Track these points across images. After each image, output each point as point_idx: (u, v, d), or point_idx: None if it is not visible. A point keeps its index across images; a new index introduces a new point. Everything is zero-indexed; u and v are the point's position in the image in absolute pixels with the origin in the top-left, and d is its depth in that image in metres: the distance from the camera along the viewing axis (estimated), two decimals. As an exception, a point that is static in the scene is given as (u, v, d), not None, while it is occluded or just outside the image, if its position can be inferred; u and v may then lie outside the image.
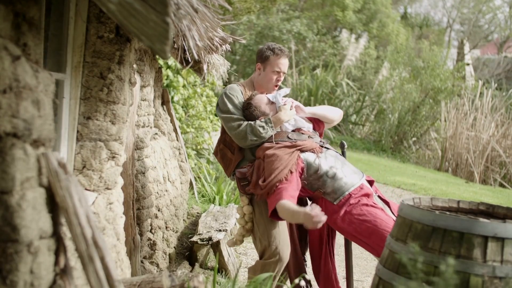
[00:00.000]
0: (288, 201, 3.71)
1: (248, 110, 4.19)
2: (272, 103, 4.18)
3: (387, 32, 24.36)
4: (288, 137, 4.10)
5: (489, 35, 35.90)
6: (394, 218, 3.74)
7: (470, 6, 35.11)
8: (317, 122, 4.43)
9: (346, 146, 4.62)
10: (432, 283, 2.59)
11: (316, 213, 3.39)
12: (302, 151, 3.98)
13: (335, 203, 3.94)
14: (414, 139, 18.58)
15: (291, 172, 3.86)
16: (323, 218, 3.40)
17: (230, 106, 4.21)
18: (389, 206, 4.06)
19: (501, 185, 14.12)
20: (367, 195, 3.96)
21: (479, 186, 12.97)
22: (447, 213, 2.86)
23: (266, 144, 4.08)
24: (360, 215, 3.83)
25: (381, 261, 3.17)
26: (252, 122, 4.10)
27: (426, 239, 2.85)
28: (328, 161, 4.00)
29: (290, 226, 4.31)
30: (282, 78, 4.39)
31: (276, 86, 4.38)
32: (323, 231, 4.25)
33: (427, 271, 2.75)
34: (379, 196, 4.15)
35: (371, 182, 4.19)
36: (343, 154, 4.46)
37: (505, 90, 18.12)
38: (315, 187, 3.99)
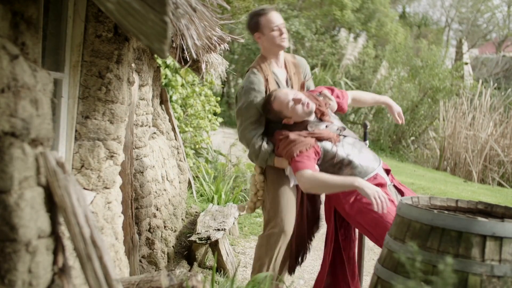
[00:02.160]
0: (325, 175, 3.77)
1: (270, 115, 4.15)
2: (299, 99, 4.03)
3: (386, 31, 24.34)
4: (306, 129, 4.06)
5: (487, 35, 35.92)
6: None
7: (469, 6, 35.12)
8: (343, 105, 4.42)
9: (368, 126, 4.67)
10: (431, 282, 2.59)
11: (379, 197, 3.58)
12: (319, 140, 3.97)
13: (346, 190, 3.91)
14: (412, 138, 18.59)
15: (307, 149, 3.88)
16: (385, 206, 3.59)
17: (246, 107, 4.13)
18: (402, 196, 4.00)
19: (500, 184, 14.13)
20: (381, 185, 3.92)
21: (478, 185, 12.98)
22: (446, 212, 2.86)
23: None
24: (368, 204, 3.78)
25: (379, 260, 3.17)
26: (263, 147, 4.05)
27: (424, 238, 2.86)
28: (345, 148, 3.97)
29: (301, 205, 4.27)
30: (285, 31, 4.25)
31: (283, 41, 4.22)
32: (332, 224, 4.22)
33: (425, 270, 2.75)
34: (394, 186, 4.12)
35: (388, 171, 4.16)
36: (365, 134, 4.55)
37: (503, 89, 18.13)
38: (330, 172, 3.95)
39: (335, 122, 4.17)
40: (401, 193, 4.07)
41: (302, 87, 4.41)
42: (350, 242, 4.31)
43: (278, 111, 4.05)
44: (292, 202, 4.13)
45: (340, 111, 4.43)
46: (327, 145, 3.96)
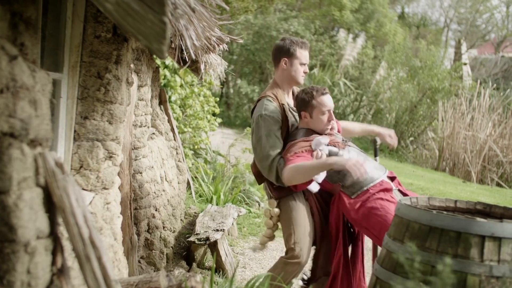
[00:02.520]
0: (303, 162, 3.85)
1: (298, 105, 4.25)
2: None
3: (385, 31, 24.34)
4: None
5: (486, 35, 35.94)
6: None
7: (467, 6, 35.13)
8: (339, 129, 4.53)
9: (379, 142, 4.74)
10: (429, 282, 2.59)
11: (357, 165, 3.64)
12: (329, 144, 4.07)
13: (352, 197, 4.02)
14: (411, 138, 18.59)
15: (304, 151, 3.98)
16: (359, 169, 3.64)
17: (267, 135, 4.17)
18: None
19: (498, 184, 14.13)
20: (386, 190, 4.00)
21: (476, 186, 12.99)
22: (444, 212, 2.87)
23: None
24: (373, 208, 3.89)
25: (378, 261, 3.17)
26: (276, 159, 4.12)
27: (423, 239, 2.86)
28: (351, 155, 4.07)
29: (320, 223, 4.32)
30: (306, 69, 4.40)
31: (302, 79, 4.37)
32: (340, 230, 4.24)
33: (424, 270, 2.75)
34: (400, 191, 4.16)
35: (393, 178, 4.23)
36: (375, 150, 4.68)
37: (502, 90, 18.14)
38: (335, 179, 4.08)
39: (339, 137, 4.28)
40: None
41: None
42: (357, 258, 4.36)
43: (313, 106, 4.14)
44: (308, 230, 4.19)
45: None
46: (334, 149, 4.05)
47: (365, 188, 4.01)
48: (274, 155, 4.12)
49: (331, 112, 4.19)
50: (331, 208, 4.26)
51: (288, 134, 4.30)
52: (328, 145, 4.05)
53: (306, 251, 4.16)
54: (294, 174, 3.87)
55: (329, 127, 4.21)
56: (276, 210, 4.30)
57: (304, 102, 4.19)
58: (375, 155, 4.73)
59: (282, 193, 4.23)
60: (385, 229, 3.73)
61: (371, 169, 4.05)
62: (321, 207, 4.35)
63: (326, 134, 4.20)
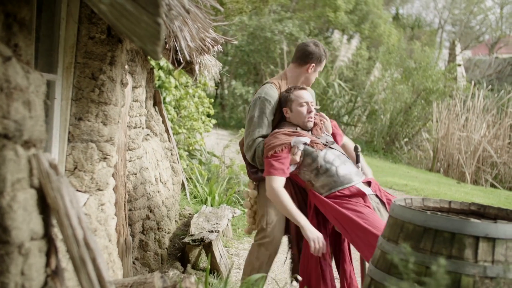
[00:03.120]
0: (288, 197, 4.04)
1: (281, 102, 4.43)
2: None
3: (379, 33, 24.39)
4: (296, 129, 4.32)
5: (480, 36, 36.06)
6: (381, 224, 3.79)
7: (462, 7, 35.25)
8: (337, 136, 4.65)
9: (359, 150, 4.77)
10: (424, 283, 2.60)
11: (320, 245, 3.89)
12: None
13: (322, 196, 4.13)
14: (406, 139, 18.63)
15: (282, 149, 4.12)
16: (320, 249, 3.89)
17: (258, 117, 4.38)
18: (385, 206, 4.14)
19: (492, 185, 14.17)
20: (356, 195, 4.08)
21: (471, 187, 13.01)
22: (439, 213, 2.87)
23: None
24: (336, 215, 4.02)
25: (373, 261, 3.18)
26: (257, 141, 4.32)
27: (417, 240, 2.86)
28: (327, 156, 4.17)
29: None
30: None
31: (309, 84, 4.58)
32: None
33: (418, 271, 2.75)
34: (377, 196, 4.20)
35: (370, 183, 4.26)
36: (357, 157, 4.66)
37: (496, 91, 18.18)
38: (307, 177, 4.20)
39: (325, 137, 4.38)
40: (385, 204, 4.17)
41: None
42: (344, 258, 4.40)
43: (291, 100, 4.33)
44: (282, 216, 4.33)
45: (336, 141, 4.59)
46: (309, 149, 4.17)
47: (333, 190, 4.10)
48: (258, 135, 4.31)
49: (310, 105, 4.32)
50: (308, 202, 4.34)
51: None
52: (307, 145, 4.18)
53: (278, 231, 4.31)
54: (274, 199, 4.08)
55: (310, 119, 4.33)
56: (254, 192, 4.48)
57: (284, 98, 4.38)
58: (357, 162, 4.71)
59: (260, 176, 4.36)
60: (353, 232, 3.91)
61: (344, 174, 4.13)
62: (298, 194, 4.42)
63: (310, 130, 4.36)
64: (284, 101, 4.39)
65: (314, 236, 3.90)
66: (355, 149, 4.77)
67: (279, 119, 4.47)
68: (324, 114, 4.59)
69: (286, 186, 4.23)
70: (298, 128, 4.34)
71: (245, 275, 4.39)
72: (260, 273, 4.19)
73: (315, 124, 4.41)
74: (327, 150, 4.22)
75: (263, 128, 4.35)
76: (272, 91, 4.42)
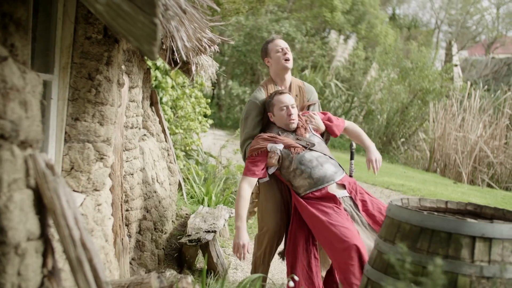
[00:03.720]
0: (245, 204, 4.47)
1: (266, 106, 4.82)
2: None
3: (376, 33, 24.40)
4: (277, 133, 4.67)
5: (476, 36, 36.11)
6: (344, 226, 4.07)
7: (458, 8, 35.30)
8: (333, 128, 4.89)
9: (354, 147, 5.15)
10: (420, 283, 2.60)
11: (238, 249, 4.29)
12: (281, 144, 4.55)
13: (299, 196, 4.50)
14: (402, 139, 18.64)
15: (259, 153, 4.55)
16: (238, 253, 4.30)
17: (245, 119, 4.87)
18: (358, 208, 4.37)
19: (489, 185, 14.17)
20: (328, 197, 4.37)
21: (467, 187, 13.02)
22: (435, 213, 2.88)
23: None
24: (309, 211, 4.34)
25: (369, 262, 3.18)
26: (246, 147, 4.79)
27: (414, 240, 2.87)
28: (303, 159, 4.48)
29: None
30: (288, 52, 4.89)
31: (286, 61, 4.85)
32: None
33: (415, 271, 2.76)
34: (352, 198, 4.43)
35: (347, 185, 4.49)
36: (351, 153, 5.08)
37: (493, 91, 18.19)
38: (286, 178, 4.58)
39: (309, 138, 4.65)
40: (358, 206, 4.38)
41: (301, 108, 5.02)
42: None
43: (273, 104, 4.67)
44: (276, 207, 4.75)
45: (331, 134, 4.93)
46: (287, 152, 4.53)
47: (308, 192, 4.43)
48: (246, 137, 4.80)
49: (290, 108, 4.62)
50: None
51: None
52: (285, 148, 4.54)
53: (272, 222, 4.73)
54: (237, 195, 4.52)
55: (292, 121, 4.64)
56: (256, 188, 4.93)
57: (267, 103, 4.77)
58: (351, 158, 5.07)
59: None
60: (319, 231, 4.24)
61: (318, 176, 4.43)
62: (287, 191, 4.82)
63: (293, 131, 4.69)
64: (267, 106, 4.75)
65: (237, 241, 4.30)
66: (350, 145, 5.12)
67: (268, 121, 4.83)
68: (312, 113, 4.86)
69: (279, 183, 4.74)
70: (279, 131, 4.68)
71: (252, 265, 4.95)
72: (263, 262, 4.79)
73: (298, 127, 4.68)
74: (305, 152, 4.52)
75: (250, 129, 4.80)
76: (259, 94, 4.86)
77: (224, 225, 6.07)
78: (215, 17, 4.03)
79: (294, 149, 4.51)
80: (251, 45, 21.55)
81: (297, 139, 4.61)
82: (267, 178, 4.66)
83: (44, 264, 2.12)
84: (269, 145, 4.53)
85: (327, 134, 4.95)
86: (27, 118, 2.02)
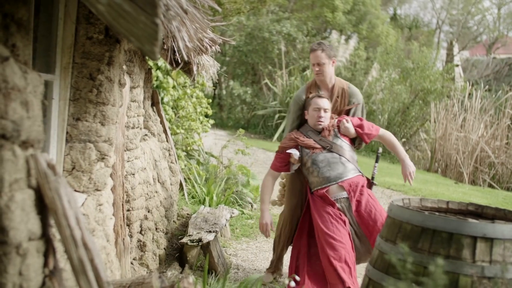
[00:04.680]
0: (267, 191, 5.32)
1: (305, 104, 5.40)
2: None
3: (377, 33, 24.37)
4: (306, 132, 5.26)
5: (478, 37, 36.07)
6: (342, 234, 4.73)
7: (459, 8, 35.26)
8: (363, 136, 5.23)
9: (380, 151, 5.59)
10: (422, 283, 2.60)
11: (263, 228, 5.19)
12: (301, 145, 5.16)
13: (311, 191, 5.16)
14: (403, 140, 18.61)
15: (283, 152, 5.25)
16: (263, 231, 5.21)
17: (288, 113, 5.57)
18: (351, 209, 4.94)
19: (490, 185, 14.15)
20: (327, 202, 4.92)
21: (468, 187, 13.01)
22: (436, 213, 2.88)
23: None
24: (313, 213, 4.99)
25: (371, 262, 3.18)
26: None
27: (415, 240, 2.87)
28: (317, 159, 5.05)
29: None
30: (318, 69, 5.31)
31: (317, 74, 5.34)
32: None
33: (416, 271, 2.76)
34: (348, 198, 4.96)
35: (347, 186, 4.97)
36: (376, 157, 5.50)
37: (494, 91, 18.16)
38: (305, 174, 5.21)
39: (331, 140, 5.12)
40: (355, 207, 4.95)
41: (340, 112, 5.45)
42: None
43: (309, 104, 5.20)
44: (295, 194, 5.39)
45: (362, 141, 5.27)
46: (306, 151, 5.14)
47: (315, 189, 5.04)
48: (287, 131, 5.50)
49: (321, 111, 5.12)
50: None
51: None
52: (303, 147, 5.18)
53: (288, 205, 5.43)
54: (261, 184, 5.43)
55: (319, 123, 5.14)
56: (284, 180, 5.75)
57: (307, 103, 5.29)
58: (376, 162, 5.46)
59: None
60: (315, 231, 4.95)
61: (324, 177, 4.97)
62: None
63: (320, 132, 5.20)
64: (306, 105, 5.30)
65: (261, 221, 5.20)
66: (377, 150, 5.65)
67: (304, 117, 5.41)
68: (345, 119, 5.21)
69: (301, 175, 5.32)
70: (310, 130, 5.24)
71: (274, 238, 5.65)
72: (279, 241, 5.47)
73: (323, 129, 5.16)
74: (322, 153, 5.08)
75: (290, 121, 5.50)
76: (301, 93, 5.47)
77: (225, 225, 6.07)
78: (216, 17, 4.03)
79: (313, 149, 5.09)
80: (252, 45, 21.55)
81: (320, 139, 5.12)
82: (291, 171, 5.32)
83: (45, 264, 2.12)
84: (290, 150, 5.18)
85: (359, 139, 5.27)
86: (29, 118, 2.02)
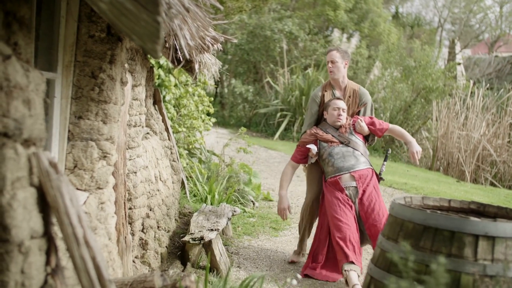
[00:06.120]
0: (287, 179, 6.04)
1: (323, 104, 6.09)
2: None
3: (379, 31, 24.35)
4: (325, 130, 5.90)
5: (480, 35, 36.02)
6: (348, 217, 5.40)
7: (461, 6, 35.21)
8: (376, 131, 5.91)
9: (389, 152, 6.34)
10: (423, 282, 2.60)
11: (281, 212, 5.91)
12: (320, 139, 5.85)
13: (326, 179, 5.81)
14: (405, 138, 18.58)
15: (303, 146, 5.94)
16: (281, 215, 5.94)
17: (306, 111, 6.21)
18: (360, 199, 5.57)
19: (492, 184, 14.15)
20: (337, 188, 5.60)
21: (470, 185, 13.01)
22: (438, 212, 2.87)
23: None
24: (325, 199, 5.71)
25: (372, 260, 3.18)
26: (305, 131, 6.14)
27: (417, 238, 2.86)
28: (333, 151, 5.75)
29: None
30: (332, 66, 6.00)
31: (330, 72, 6.03)
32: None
33: (418, 270, 2.76)
34: (357, 187, 5.58)
35: (357, 177, 5.62)
36: (386, 156, 6.15)
37: (496, 89, 18.14)
38: (322, 164, 5.88)
39: (348, 136, 5.82)
40: (361, 198, 5.57)
41: (352, 114, 6.07)
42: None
43: (329, 105, 5.86)
44: (314, 182, 6.08)
45: (375, 135, 5.97)
46: (324, 145, 5.81)
47: (328, 177, 5.69)
48: (305, 127, 6.15)
49: (340, 110, 5.82)
50: None
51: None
52: (320, 141, 5.88)
53: (309, 193, 6.12)
54: (282, 173, 6.12)
55: (338, 121, 5.82)
56: (304, 168, 6.39)
57: (326, 104, 5.94)
58: (384, 160, 6.11)
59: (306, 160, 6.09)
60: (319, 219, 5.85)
61: (337, 167, 5.65)
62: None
63: (338, 128, 5.86)
64: (325, 106, 5.93)
65: (280, 206, 5.90)
66: (386, 150, 6.33)
67: (323, 117, 6.02)
68: (360, 119, 5.86)
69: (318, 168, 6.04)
70: (328, 127, 5.87)
71: (298, 222, 6.33)
72: (300, 227, 6.24)
73: (341, 126, 5.83)
74: (337, 146, 5.76)
75: (308, 118, 6.15)
76: (317, 92, 6.14)
77: (227, 223, 6.07)
78: (218, 16, 4.03)
79: (331, 143, 5.77)
80: (254, 43, 21.55)
81: (338, 135, 5.80)
82: (310, 162, 6.01)
83: (47, 262, 2.12)
84: (309, 145, 5.87)
85: (372, 135, 5.99)
86: (31, 116, 2.03)
